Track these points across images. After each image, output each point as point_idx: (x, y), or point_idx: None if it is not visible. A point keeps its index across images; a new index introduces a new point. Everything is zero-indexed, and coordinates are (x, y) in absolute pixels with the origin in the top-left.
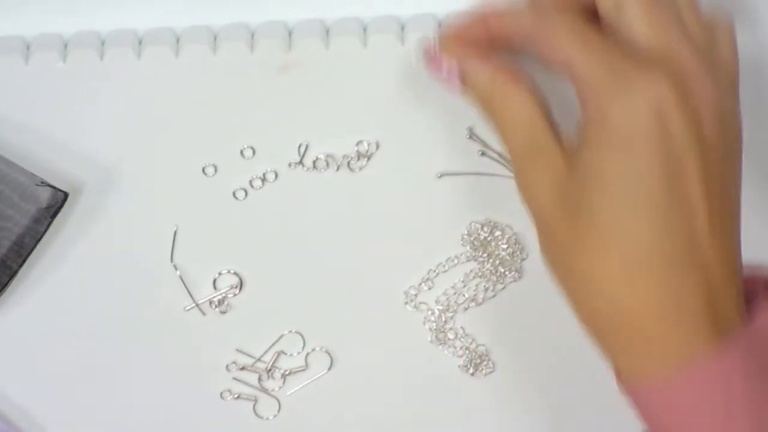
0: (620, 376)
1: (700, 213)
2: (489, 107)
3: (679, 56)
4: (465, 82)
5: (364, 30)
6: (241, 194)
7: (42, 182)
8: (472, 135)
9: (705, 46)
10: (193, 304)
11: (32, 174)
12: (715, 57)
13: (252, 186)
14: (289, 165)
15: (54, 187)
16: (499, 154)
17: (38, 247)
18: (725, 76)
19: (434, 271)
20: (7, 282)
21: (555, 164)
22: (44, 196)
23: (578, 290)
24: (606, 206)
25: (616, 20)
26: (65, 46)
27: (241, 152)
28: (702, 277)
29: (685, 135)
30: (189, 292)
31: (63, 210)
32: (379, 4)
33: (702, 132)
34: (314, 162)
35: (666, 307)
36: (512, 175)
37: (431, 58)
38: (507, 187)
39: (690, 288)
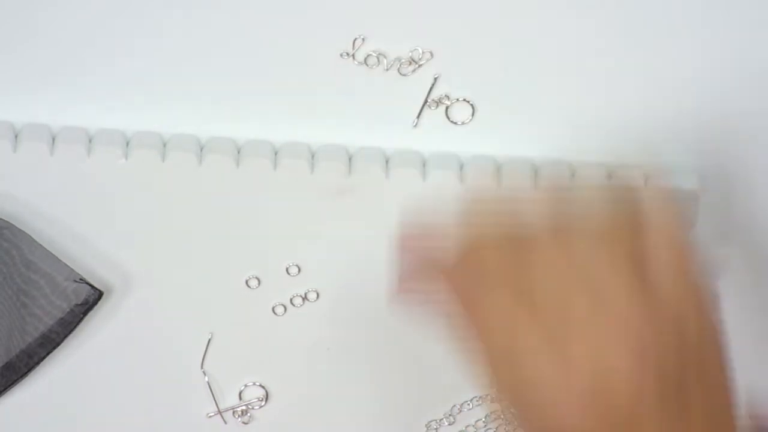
0: None
1: None
2: None
3: None
4: None
5: (424, 164)
6: (280, 310)
7: (80, 279)
8: None
9: None
10: (216, 412)
11: (71, 269)
12: None
13: (292, 304)
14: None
15: (91, 285)
16: None
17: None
18: None
19: (458, 407)
20: (27, 372)
21: None
22: (80, 292)
23: None
24: None
25: None
26: (127, 143)
27: (287, 269)
28: None
29: None
30: (215, 399)
31: (105, 308)
32: (439, 142)
33: None
34: None
35: None
36: None
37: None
38: None
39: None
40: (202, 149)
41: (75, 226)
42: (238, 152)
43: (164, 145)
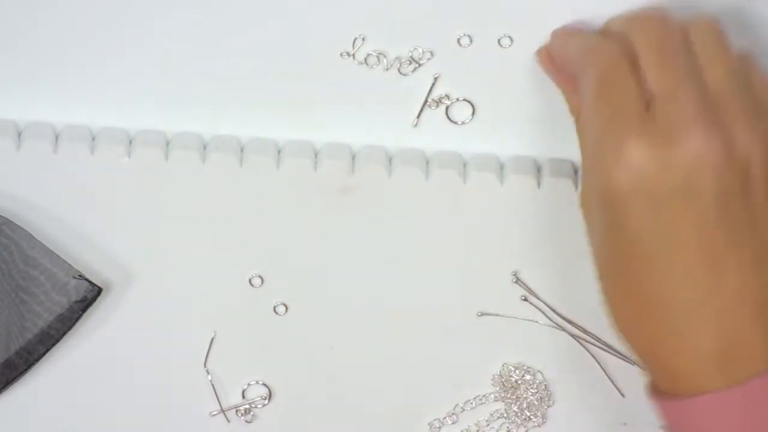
0: (648, 387)
1: (720, 268)
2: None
3: (684, 106)
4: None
5: (427, 163)
6: (281, 309)
7: (79, 276)
8: (517, 280)
9: (726, 86)
10: (219, 410)
11: (70, 266)
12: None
13: (295, 302)
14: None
15: (90, 282)
16: (542, 302)
17: (65, 339)
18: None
19: (461, 406)
20: (26, 369)
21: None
22: (79, 289)
23: (608, 312)
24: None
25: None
26: (130, 142)
27: (290, 268)
28: (715, 327)
29: (670, 196)
30: (217, 398)
31: (107, 305)
32: (440, 141)
33: (697, 186)
34: None
35: (678, 348)
36: (550, 323)
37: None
38: (543, 333)
39: (701, 335)
40: (205, 148)
41: (78, 224)
42: (242, 151)
43: (167, 143)
